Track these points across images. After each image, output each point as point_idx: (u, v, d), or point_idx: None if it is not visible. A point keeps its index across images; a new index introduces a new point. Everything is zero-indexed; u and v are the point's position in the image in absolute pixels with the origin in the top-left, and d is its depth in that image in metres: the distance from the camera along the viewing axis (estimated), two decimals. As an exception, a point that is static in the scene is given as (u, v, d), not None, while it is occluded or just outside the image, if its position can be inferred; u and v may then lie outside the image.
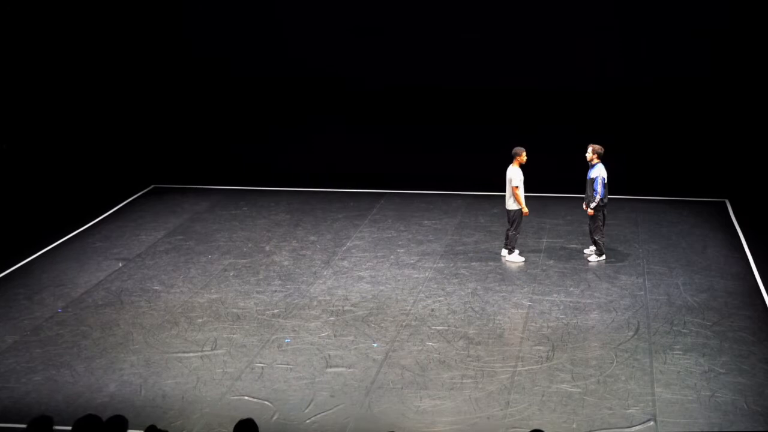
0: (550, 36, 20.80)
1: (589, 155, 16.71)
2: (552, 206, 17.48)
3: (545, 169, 20.10)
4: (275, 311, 15.05)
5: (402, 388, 12.50)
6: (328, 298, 15.57)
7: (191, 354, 13.57)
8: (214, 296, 15.71)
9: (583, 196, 16.99)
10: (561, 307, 14.99)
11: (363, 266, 16.99)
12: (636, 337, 13.83)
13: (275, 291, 15.89)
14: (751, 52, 19.89)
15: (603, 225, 16.83)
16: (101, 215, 20.13)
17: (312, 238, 18.61)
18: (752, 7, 19.68)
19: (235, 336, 14.14)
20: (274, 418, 11.83)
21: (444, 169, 21.80)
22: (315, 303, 15.36)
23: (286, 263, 17.20)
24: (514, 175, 16.72)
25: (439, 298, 15.47)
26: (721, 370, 12.77)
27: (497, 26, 20.94)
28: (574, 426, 11.48)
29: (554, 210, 17.94)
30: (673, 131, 20.66)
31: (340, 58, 21.71)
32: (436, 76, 21.32)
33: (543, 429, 9.34)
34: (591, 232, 16.93)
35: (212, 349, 13.70)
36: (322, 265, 17.09)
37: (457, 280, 16.25)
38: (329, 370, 13.03)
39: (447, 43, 21.20)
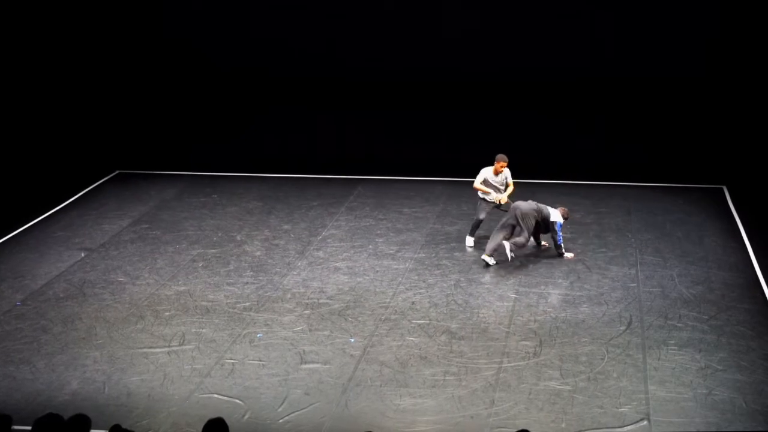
0: (543, 26, 20.72)
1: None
2: (540, 193, 17.48)
3: (534, 156, 20.19)
4: (247, 304, 15.01)
5: (381, 385, 12.49)
6: (302, 290, 15.54)
7: (158, 349, 13.53)
8: (182, 288, 15.66)
9: (569, 182, 16.98)
10: (549, 300, 15.01)
11: (339, 257, 16.97)
12: (628, 331, 13.85)
13: (247, 283, 15.85)
14: (747, 41, 19.87)
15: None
16: (62, 203, 20.06)
17: (285, 226, 18.58)
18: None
19: (204, 330, 14.10)
20: (246, 417, 11.81)
21: (425, 154, 21.76)
22: (289, 296, 15.33)
23: (258, 253, 17.17)
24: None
25: (420, 291, 15.46)
26: (718, 367, 12.80)
27: (484, 14, 20.85)
28: (563, 426, 11.49)
29: (542, 198, 17.87)
30: (668, 115, 20.65)
31: (315, 43, 21.58)
32: (416, 61, 21.23)
33: (530, 429, 9.35)
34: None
35: (180, 345, 13.66)
36: (297, 255, 17.06)
37: (439, 272, 16.24)
38: (304, 366, 13.01)
39: (427, 29, 21.09)
